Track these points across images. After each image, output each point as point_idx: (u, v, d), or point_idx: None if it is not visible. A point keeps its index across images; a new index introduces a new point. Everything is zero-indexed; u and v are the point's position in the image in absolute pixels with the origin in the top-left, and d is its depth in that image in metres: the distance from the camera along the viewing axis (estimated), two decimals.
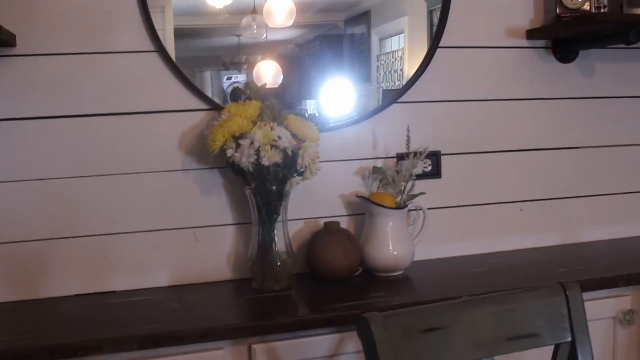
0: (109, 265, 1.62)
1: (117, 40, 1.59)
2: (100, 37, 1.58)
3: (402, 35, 1.82)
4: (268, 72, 1.72)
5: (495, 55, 1.86)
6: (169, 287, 1.65)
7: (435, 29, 1.79)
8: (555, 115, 1.93)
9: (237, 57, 1.71)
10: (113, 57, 1.59)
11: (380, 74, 1.82)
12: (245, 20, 1.68)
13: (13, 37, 1.51)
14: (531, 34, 1.86)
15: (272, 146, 1.47)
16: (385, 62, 1.82)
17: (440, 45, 1.80)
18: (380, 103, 1.79)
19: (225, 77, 1.69)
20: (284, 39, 1.74)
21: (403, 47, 1.81)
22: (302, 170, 1.55)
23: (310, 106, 1.76)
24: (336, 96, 1.79)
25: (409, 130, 1.70)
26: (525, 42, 1.88)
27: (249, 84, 1.64)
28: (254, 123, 1.52)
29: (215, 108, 1.65)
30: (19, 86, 1.55)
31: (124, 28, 1.60)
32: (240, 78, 1.69)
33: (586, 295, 1.28)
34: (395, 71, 1.81)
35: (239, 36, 1.69)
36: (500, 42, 1.86)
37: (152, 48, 1.61)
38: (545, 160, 1.93)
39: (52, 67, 1.56)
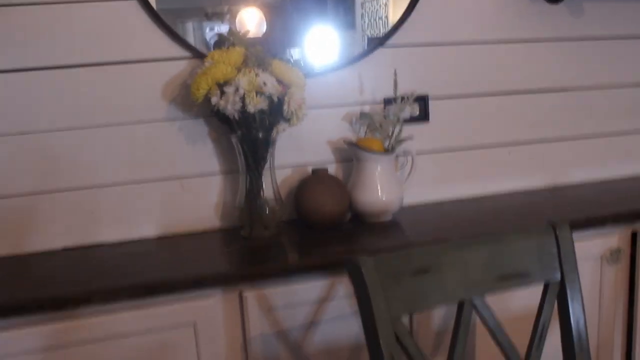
0: (95, 217, 1.61)
1: None
2: None
3: None
4: (251, 21, 1.69)
5: None
6: (157, 237, 1.64)
7: None
8: (543, 57, 1.91)
9: (219, 7, 1.67)
10: (91, 6, 1.54)
11: (364, 21, 1.79)
12: None
13: None
14: None
15: (257, 92, 1.45)
16: (370, 9, 1.79)
17: None
18: (365, 50, 1.76)
19: (208, 28, 1.65)
20: None
21: None
22: (288, 116, 1.53)
23: (295, 54, 1.73)
24: (320, 44, 1.76)
25: (395, 74, 1.68)
26: None
27: (232, 31, 1.60)
28: (238, 70, 1.49)
29: (198, 56, 1.61)
30: None
31: None
32: (222, 28, 1.65)
33: (574, 235, 1.29)
34: (380, 18, 1.78)
35: None
36: None
37: None
38: (532, 102, 1.92)
39: (29, 18, 1.51)
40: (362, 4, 1.79)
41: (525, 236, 1.25)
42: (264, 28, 1.69)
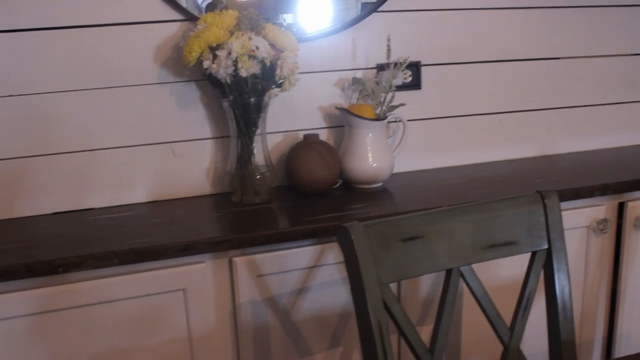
0: (86, 182, 1.60)
1: None
2: None
3: None
4: None
5: None
6: (148, 202, 1.64)
7: None
8: (535, 25, 1.90)
9: None
10: None
11: None
12: None
13: None
14: None
15: (249, 56, 1.43)
16: None
17: None
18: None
19: None
20: None
21: None
22: (280, 81, 1.52)
23: (288, 19, 1.71)
24: (314, 9, 1.74)
25: (389, 40, 1.67)
26: None
27: None
28: (231, 33, 1.47)
29: (191, 19, 1.59)
30: None
31: None
32: None
33: (562, 205, 1.29)
34: None
35: None
36: None
37: None
38: (524, 71, 1.92)
39: None
40: None
41: (513, 205, 1.25)
42: None
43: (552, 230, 1.25)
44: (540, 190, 1.27)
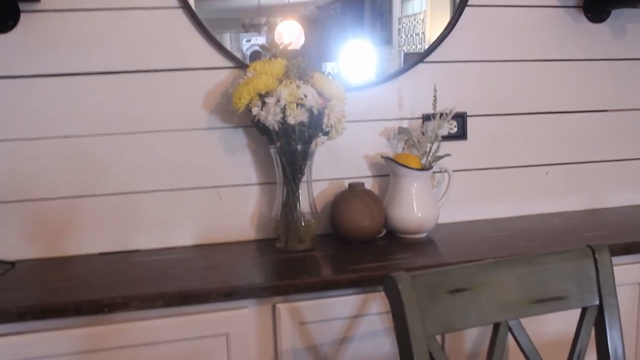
0: (132, 223, 1.63)
1: None
2: None
3: None
4: (290, 33, 1.70)
5: (524, 14, 1.81)
6: (193, 246, 1.66)
7: None
8: (584, 77, 1.89)
9: (257, 18, 1.68)
10: (137, 13, 1.57)
11: (401, 37, 1.79)
12: None
13: None
14: None
15: (298, 104, 1.45)
16: (407, 24, 1.79)
17: (468, 4, 1.76)
18: (401, 66, 1.75)
19: (245, 39, 1.66)
20: (305, 1, 1.71)
21: (425, 10, 1.77)
22: (327, 129, 1.53)
23: (330, 69, 1.74)
24: (357, 59, 1.76)
25: (435, 90, 1.68)
26: (555, 1, 1.83)
27: (273, 42, 1.61)
28: (280, 81, 1.50)
29: (240, 66, 1.63)
30: (43, 42, 1.54)
31: None
32: (259, 40, 1.67)
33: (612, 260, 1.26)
34: (417, 34, 1.78)
35: None
36: (529, 1, 1.81)
37: (176, 4, 1.59)
38: (572, 123, 1.90)
39: (76, 23, 1.55)
40: (400, 20, 1.79)
41: (563, 258, 1.23)
42: (302, 40, 1.69)
43: (604, 286, 1.22)
44: (590, 244, 1.24)
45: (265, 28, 1.68)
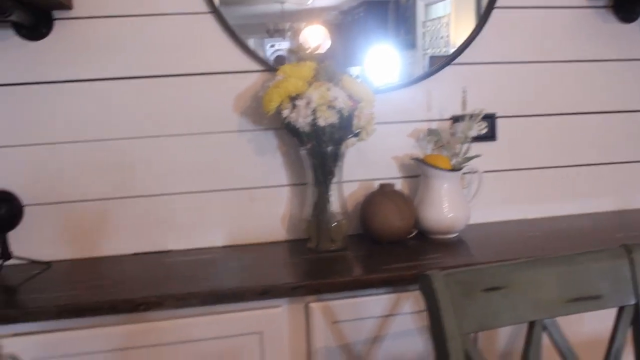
0: (165, 225, 1.65)
1: (171, 1, 1.59)
2: None
3: (448, 0, 1.78)
4: (315, 37, 1.71)
5: (552, 15, 1.81)
6: (224, 246, 1.67)
7: None
8: (613, 77, 1.88)
9: (281, 23, 1.69)
10: (168, 18, 1.60)
11: (425, 40, 1.79)
12: None
13: None
14: None
15: (328, 106, 1.47)
16: (431, 28, 1.79)
17: (495, 6, 1.76)
18: (427, 69, 1.76)
19: (269, 45, 1.68)
20: (328, 5, 1.72)
21: (449, 13, 1.77)
22: (357, 131, 1.54)
23: (355, 73, 1.74)
24: (381, 62, 1.76)
25: (464, 92, 1.68)
26: (584, 1, 1.82)
27: (301, 46, 1.63)
28: (309, 84, 1.51)
29: (270, 69, 1.64)
30: (76, 48, 1.57)
31: None
32: (283, 45, 1.68)
33: None
34: (442, 37, 1.78)
35: (282, 2, 1.68)
36: (558, 2, 1.81)
37: (206, 9, 1.61)
38: (601, 123, 1.89)
39: (108, 29, 1.58)
40: (424, 23, 1.79)
41: (598, 258, 1.22)
42: (327, 45, 1.70)
43: None
44: (625, 244, 1.24)
45: (289, 33, 1.69)
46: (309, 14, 1.70)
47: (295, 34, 1.69)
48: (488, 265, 1.17)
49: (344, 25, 1.74)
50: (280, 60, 1.66)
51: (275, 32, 1.69)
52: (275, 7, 1.68)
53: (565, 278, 1.18)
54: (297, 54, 1.61)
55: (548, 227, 1.78)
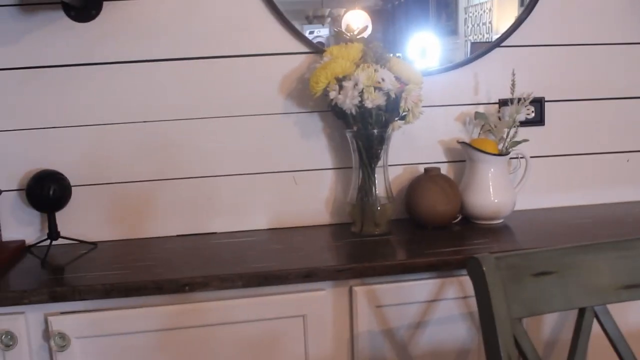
0: (209, 207, 1.66)
1: None
2: None
3: None
4: (357, 22, 1.68)
5: None
6: (268, 229, 1.68)
7: None
8: None
9: (320, 10, 1.68)
10: (217, 0, 1.60)
11: (467, 27, 1.76)
12: None
13: None
14: None
15: (375, 88, 1.45)
16: (473, 14, 1.76)
17: None
18: (468, 56, 1.73)
19: (308, 31, 1.66)
20: None
21: None
22: (404, 113, 1.52)
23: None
24: (422, 49, 1.74)
25: (513, 74, 1.64)
26: None
27: (349, 27, 1.61)
28: (357, 65, 1.50)
29: (316, 51, 1.63)
30: (124, 30, 1.58)
31: None
32: (322, 32, 1.67)
33: None
34: (484, 23, 1.75)
35: None
36: None
37: None
38: None
39: (156, 11, 1.58)
40: (466, 9, 1.76)
41: None
42: (369, 30, 1.68)
43: None
44: None
45: (329, 19, 1.68)
46: (350, 0, 1.68)
47: (335, 20, 1.68)
48: (539, 250, 1.15)
49: (384, 12, 1.72)
50: (320, 46, 1.65)
51: (315, 18, 1.68)
52: None
53: (618, 264, 1.16)
54: (342, 35, 1.60)
55: (598, 214, 1.74)
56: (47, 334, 1.29)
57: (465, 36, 1.76)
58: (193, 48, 1.60)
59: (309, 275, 1.33)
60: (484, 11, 1.75)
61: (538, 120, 1.76)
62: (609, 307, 1.16)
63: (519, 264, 1.10)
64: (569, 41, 1.76)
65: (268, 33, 1.62)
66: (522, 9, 1.73)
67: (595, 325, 1.15)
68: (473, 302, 1.18)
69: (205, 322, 1.33)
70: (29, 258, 1.51)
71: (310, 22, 1.67)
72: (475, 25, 1.76)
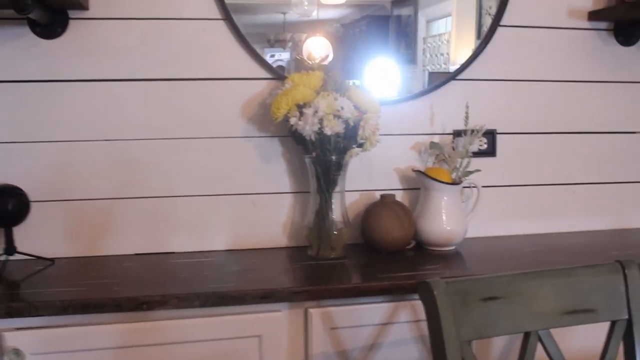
0: (168, 226, 1.67)
1: (185, 6, 1.63)
2: (169, 2, 1.62)
3: (450, 18, 1.81)
4: (318, 49, 1.73)
5: (555, 36, 1.85)
6: (226, 250, 1.70)
7: (483, 12, 1.80)
8: (613, 99, 1.92)
9: (282, 34, 1.71)
10: (181, 23, 1.63)
11: (426, 57, 1.82)
12: None
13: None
14: (593, 15, 1.84)
15: (334, 116, 1.49)
16: (432, 44, 1.82)
17: (500, 24, 1.80)
18: (426, 85, 1.79)
19: (269, 54, 1.70)
20: (331, 18, 1.75)
21: (450, 31, 1.80)
22: (362, 141, 1.57)
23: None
24: (381, 76, 1.79)
25: (467, 107, 1.71)
26: (586, 24, 1.86)
27: (310, 55, 1.66)
28: (317, 93, 1.54)
29: (278, 77, 1.67)
30: (89, 49, 1.60)
31: None
32: (283, 56, 1.71)
33: None
34: (442, 54, 1.81)
35: (284, 13, 1.70)
36: (561, 23, 1.85)
37: (218, 16, 1.64)
38: (600, 143, 1.93)
39: (122, 31, 1.60)
40: (424, 39, 1.82)
41: (593, 272, 1.25)
42: (330, 58, 1.72)
43: (633, 301, 1.24)
44: (620, 260, 1.27)
45: (290, 44, 1.72)
46: (311, 26, 1.72)
47: (296, 45, 1.72)
48: (487, 276, 1.20)
49: (345, 38, 1.76)
50: (280, 70, 1.69)
51: (276, 42, 1.71)
52: (277, 18, 1.71)
53: (561, 291, 1.21)
54: (304, 63, 1.64)
55: (544, 243, 1.81)
56: (1, 350, 1.28)
57: (424, 65, 1.81)
58: (157, 69, 1.63)
59: (266, 297, 1.35)
60: (442, 42, 1.81)
61: (490, 151, 1.83)
62: (552, 331, 1.22)
63: (468, 289, 1.15)
64: (521, 76, 1.84)
65: (232, 58, 1.66)
66: (479, 42, 1.80)
67: (540, 349, 1.21)
68: (425, 325, 1.21)
69: (162, 341, 1.34)
70: None
71: (271, 46, 1.70)
72: (434, 56, 1.81)
